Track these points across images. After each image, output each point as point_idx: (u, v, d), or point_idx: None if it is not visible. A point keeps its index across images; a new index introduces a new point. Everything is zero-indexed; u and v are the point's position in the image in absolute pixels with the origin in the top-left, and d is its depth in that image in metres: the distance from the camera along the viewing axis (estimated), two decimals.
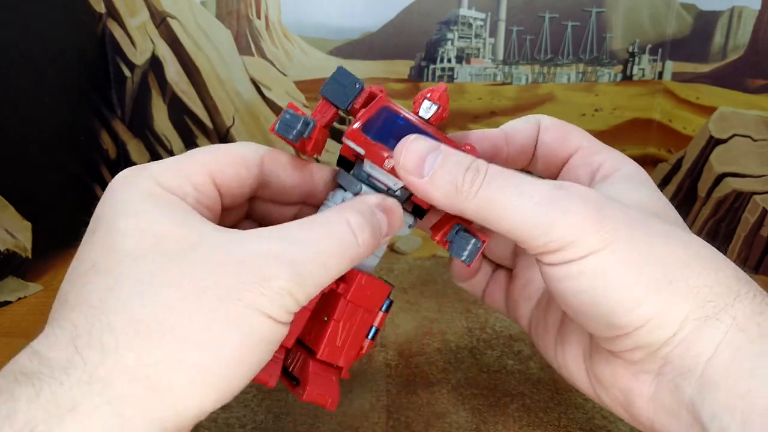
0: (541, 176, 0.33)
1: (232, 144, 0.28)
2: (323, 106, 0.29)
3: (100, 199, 0.26)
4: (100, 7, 0.57)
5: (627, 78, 0.64)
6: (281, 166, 0.29)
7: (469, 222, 0.28)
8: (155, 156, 0.62)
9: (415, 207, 0.30)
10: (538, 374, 0.41)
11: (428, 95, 0.29)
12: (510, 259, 0.35)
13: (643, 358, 0.25)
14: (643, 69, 0.64)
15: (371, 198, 0.27)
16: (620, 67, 0.64)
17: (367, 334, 0.30)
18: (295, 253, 0.24)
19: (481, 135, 0.31)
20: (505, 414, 0.38)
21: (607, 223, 0.24)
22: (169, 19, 0.59)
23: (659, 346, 0.24)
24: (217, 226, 0.25)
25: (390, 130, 0.28)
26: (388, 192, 0.29)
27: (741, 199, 0.56)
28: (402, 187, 0.28)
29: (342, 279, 0.29)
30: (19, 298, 0.51)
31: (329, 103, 0.29)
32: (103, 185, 0.59)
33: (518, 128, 0.32)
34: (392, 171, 0.27)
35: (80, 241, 0.25)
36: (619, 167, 0.30)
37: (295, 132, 0.27)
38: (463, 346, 0.45)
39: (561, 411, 0.38)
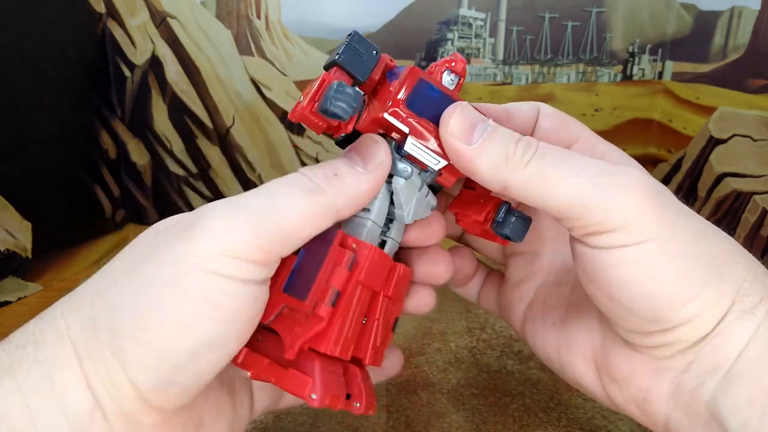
0: None
1: None
2: (339, 77, 0.24)
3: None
4: (100, 7, 0.57)
5: (627, 78, 0.64)
6: None
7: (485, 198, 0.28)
8: (155, 156, 0.62)
9: (432, 188, 0.28)
10: (538, 374, 0.41)
11: (450, 65, 0.27)
12: (498, 255, 0.35)
13: (673, 354, 0.24)
14: (643, 69, 0.64)
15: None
16: (620, 67, 0.64)
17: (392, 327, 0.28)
18: (233, 199, 0.22)
19: (483, 108, 0.30)
20: (505, 414, 0.37)
21: (667, 208, 0.23)
22: (169, 19, 0.59)
23: (696, 342, 0.24)
24: None
25: (428, 104, 0.26)
26: (422, 174, 0.27)
27: (741, 199, 0.56)
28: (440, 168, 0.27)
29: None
30: (19, 298, 0.51)
31: (346, 73, 0.25)
32: (103, 185, 0.59)
33: (518, 108, 0.31)
34: (435, 149, 0.26)
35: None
36: (623, 162, 0.29)
37: (355, 108, 0.23)
38: (463, 346, 0.45)
39: (561, 411, 0.38)
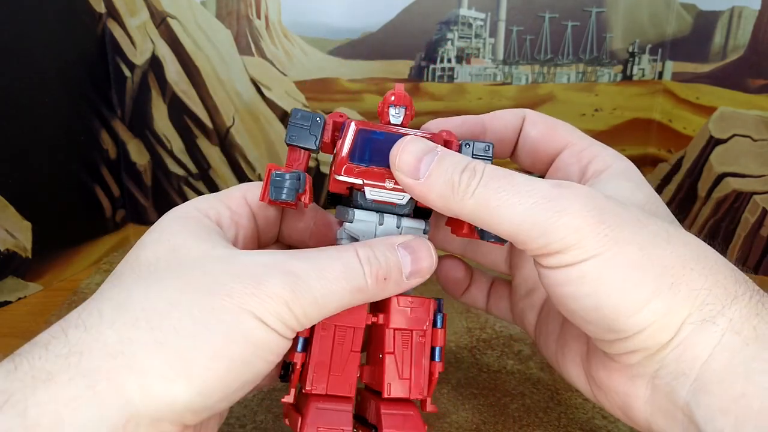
0: (529, 172, 0.32)
1: None
2: (293, 154, 0.28)
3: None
4: (100, 7, 0.57)
5: (627, 78, 0.64)
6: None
7: None
8: (155, 156, 0.62)
9: (419, 210, 0.29)
10: (538, 374, 0.41)
11: (391, 100, 0.28)
12: (505, 267, 0.35)
13: (639, 361, 0.25)
14: (643, 69, 0.64)
15: (396, 238, 0.27)
16: (620, 67, 0.64)
17: (432, 356, 0.29)
18: (295, 266, 0.24)
19: (459, 121, 0.31)
20: (505, 414, 0.37)
21: (608, 224, 0.24)
22: (169, 19, 0.59)
23: (657, 349, 0.24)
24: (231, 246, 0.26)
25: (375, 148, 0.27)
26: (396, 210, 0.28)
27: (741, 199, 0.56)
28: (409, 199, 0.28)
29: (380, 310, 0.28)
30: (19, 298, 0.51)
31: (298, 149, 0.28)
32: (103, 185, 0.59)
33: (499, 117, 0.31)
34: (394, 188, 0.27)
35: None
36: (610, 163, 0.30)
37: (289, 191, 0.27)
38: (463, 346, 0.45)
39: (561, 411, 0.38)
